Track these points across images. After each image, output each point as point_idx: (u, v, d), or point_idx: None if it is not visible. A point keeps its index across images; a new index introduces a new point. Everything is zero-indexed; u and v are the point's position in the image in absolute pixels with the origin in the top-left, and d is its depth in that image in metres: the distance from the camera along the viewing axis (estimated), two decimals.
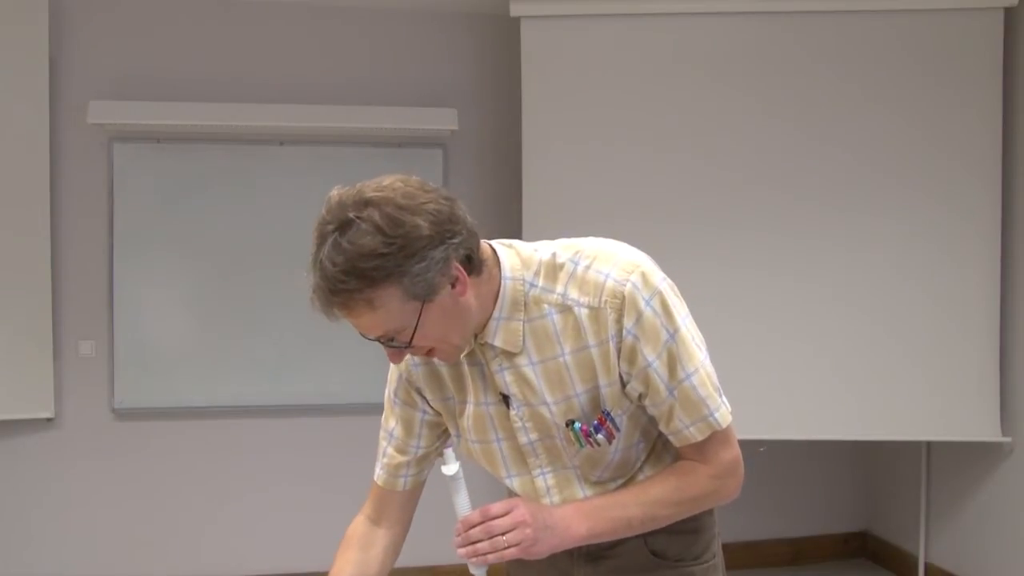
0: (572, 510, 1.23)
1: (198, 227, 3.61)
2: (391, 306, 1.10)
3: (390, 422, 1.39)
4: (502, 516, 1.15)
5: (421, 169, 3.72)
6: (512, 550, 1.15)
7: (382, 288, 1.09)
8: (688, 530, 1.33)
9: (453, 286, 1.14)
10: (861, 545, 4.13)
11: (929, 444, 3.63)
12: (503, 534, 1.15)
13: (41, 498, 3.55)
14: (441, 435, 1.38)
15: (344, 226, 1.09)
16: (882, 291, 3.28)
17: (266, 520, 3.70)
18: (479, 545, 1.15)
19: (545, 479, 1.29)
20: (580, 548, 1.31)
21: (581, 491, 1.29)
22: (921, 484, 3.65)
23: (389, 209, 1.09)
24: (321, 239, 1.11)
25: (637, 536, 1.29)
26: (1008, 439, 3.22)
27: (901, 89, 3.28)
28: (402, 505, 1.42)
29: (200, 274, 3.63)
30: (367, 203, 1.10)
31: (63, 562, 3.55)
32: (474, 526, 1.16)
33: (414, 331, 1.14)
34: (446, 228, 1.12)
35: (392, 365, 1.36)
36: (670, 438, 1.26)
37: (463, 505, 1.21)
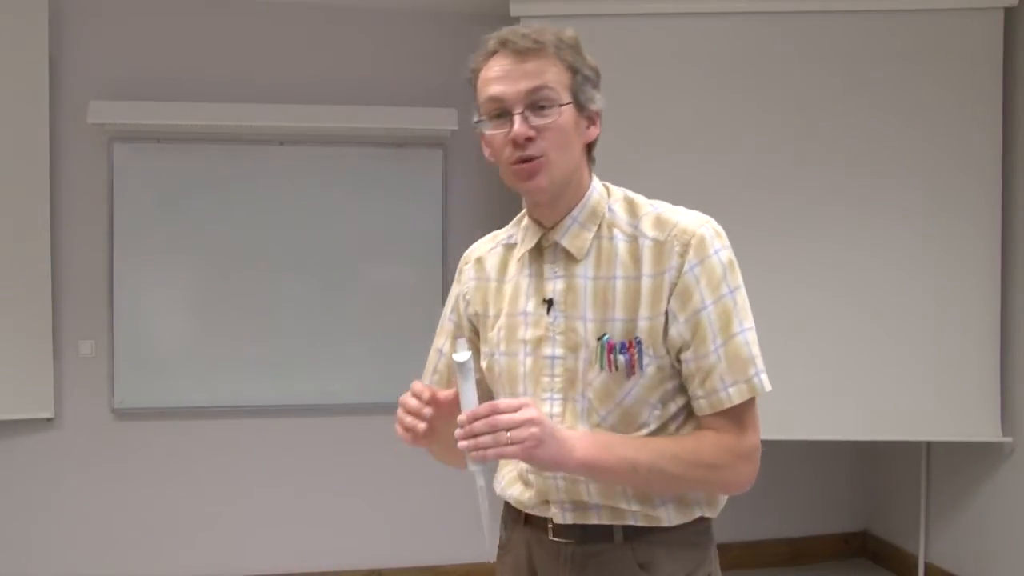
0: (581, 435, 1.20)
1: (198, 227, 3.60)
2: (560, 79, 1.22)
3: (440, 340, 1.45)
4: (511, 412, 1.12)
5: (421, 169, 3.75)
6: (514, 448, 1.11)
7: (562, 64, 1.23)
8: (681, 543, 1.28)
9: (588, 127, 1.27)
10: (861, 545, 4.13)
11: (929, 444, 3.63)
12: (508, 431, 1.11)
13: (41, 498, 3.54)
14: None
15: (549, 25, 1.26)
16: (882, 291, 3.28)
17: (266, 520, 3.69)
18: (481, 439, 1.11)
19: (552, 405, 1.27)
20: (567, 550, 1.29)
21: (580, 428, 1.25)
22: (921, 484, 3.65)
23: None
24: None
25: (625, 545, 1.26)
26: (1008, 439, 3.22)
27: (901, 89, 3.27)
28: None
29: (200, 274, 3.62)
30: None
31: (63, 562, 3.55)
32: (480, 419, 1.12)
33: (561, 108, 1.21)
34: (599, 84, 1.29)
35: (453, 288, 1.44)
36: (699, 403, 1.23)
37: (469, 396, 1.16)
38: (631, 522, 1.26)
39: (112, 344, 3.55)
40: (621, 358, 1.22)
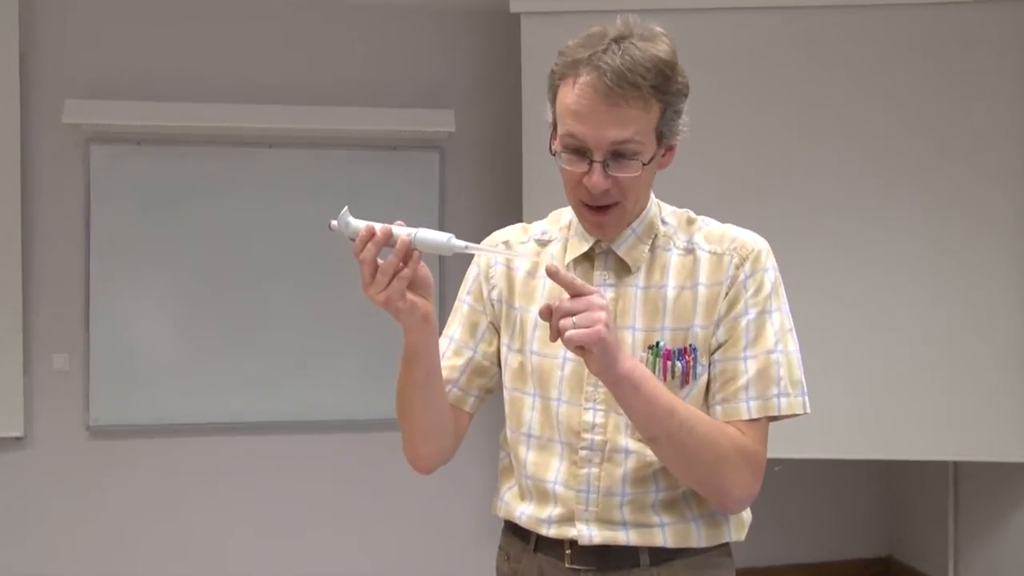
0: (637, 362, 1.17)
1: (180, 234, 3.57)
2: (649, 123, 1.17)
3: (452, 327, 1.38)
4: (583, 296, 1.09)
5: (417, 173, 3.70)
6: (582, 332, 1.07)
7: (656, 101, 1.17)
8: (707, 565, 1.28)
9: (664, 155, 1.24)
10: (884, 571, 4.08)
11: (956, 464, 3.58)
12: (574, 315, 1.08)
13: (10, 522, 3.47)
14: (498, 352, 1.36)
15: (648, 36, 1.18)
16: (904, 304, 3.20)
17: (250, 542, 3.63)
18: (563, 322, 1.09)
19: (595, 415, 1.25)
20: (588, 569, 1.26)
21: (624, 441, 1.24)
22: (948, 506, 3.60)
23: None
24: (617, 40, 1.16)
25: (650, 569, 1.25)
26: None
27: (915, 87, 3.20)
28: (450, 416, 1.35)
29: (182, 283, 3.59)
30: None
31: None
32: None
33: (646, 163, 1.18)
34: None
35: (471, 269, 1.38)
36: (714, 409, 1.23)
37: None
38: (659, 541, 1.24)
39: (88, 357, 3.49)
40: (679, 364, 1.23)
